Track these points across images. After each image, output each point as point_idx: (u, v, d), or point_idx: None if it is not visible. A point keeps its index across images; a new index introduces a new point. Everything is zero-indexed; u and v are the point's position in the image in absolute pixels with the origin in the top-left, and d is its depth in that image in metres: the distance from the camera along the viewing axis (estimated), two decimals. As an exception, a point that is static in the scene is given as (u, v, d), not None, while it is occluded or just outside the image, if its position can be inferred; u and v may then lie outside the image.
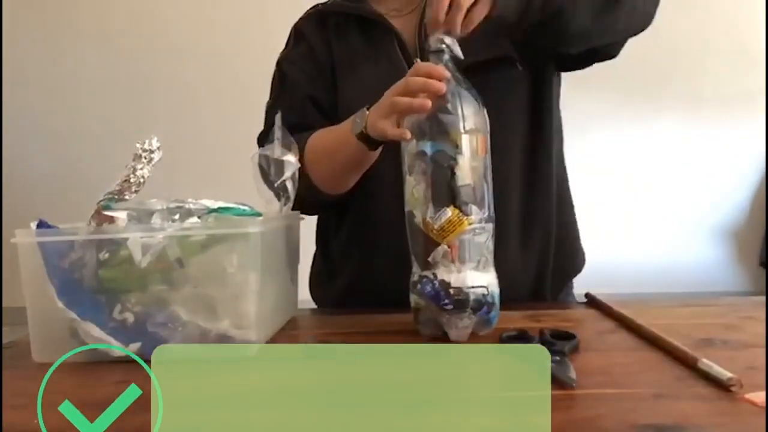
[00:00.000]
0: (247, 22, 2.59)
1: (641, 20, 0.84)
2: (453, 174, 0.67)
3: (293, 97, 0.95)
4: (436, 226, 0.67)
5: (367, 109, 0.78)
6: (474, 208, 0.67)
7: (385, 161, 0.83)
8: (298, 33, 0.99)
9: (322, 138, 0.89)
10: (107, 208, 0.67)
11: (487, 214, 0.69)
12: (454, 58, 0.71)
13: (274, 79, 1.00)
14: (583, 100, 2.45)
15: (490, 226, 0.69)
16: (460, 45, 0.72)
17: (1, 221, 2.43)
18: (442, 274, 0.68)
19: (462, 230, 0.67)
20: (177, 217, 0.68)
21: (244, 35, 2.55)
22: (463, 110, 0.68)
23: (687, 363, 0.57)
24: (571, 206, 1.00)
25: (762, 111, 2.58)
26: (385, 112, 0.73)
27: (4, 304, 2.01)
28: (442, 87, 0.67)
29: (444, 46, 0.70)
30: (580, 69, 0.93)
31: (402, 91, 0.71)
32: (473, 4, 0.69)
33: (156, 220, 0.67)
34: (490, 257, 0.70)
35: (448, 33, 0.70)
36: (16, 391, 0.58)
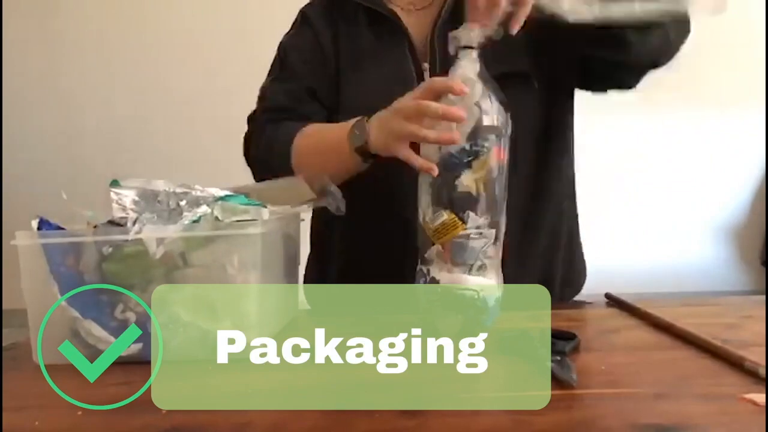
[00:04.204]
0: (247, 17, 2.59)
1: (673, 50, 0.82)
2: (455, 180, 0.66)
3: (291, 84, 0.92)
4: (432, 227, 0.68)
5: (366, 120, 0.75)
6: (471, 214, 0.66)
7: (386, 164, 0.83)
8: (304, 17, 0.96)
9: (314, 135, 0.85)
10: (115, 184, 0.68)
11: (489, 220, 0.67)
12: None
13: (274, 61, 0.97)
14: (583, 100, 2.43)
15: (491, 232, 0.68)
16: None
17: (1, 222, 2.43)
18: (435, 272, 0.69)
19: (455, 234, 0.67)
20: (184, 203, 0.68)
21: (246, 31, 2.55)
22: (482, 115, 0.66)
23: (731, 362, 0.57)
24: (577, 224, 0.98)
25: (762, 110, 2.58)
26: (402, 136, 0.68)
27: (4, 306, 2.01)
28: (462, 116, 0.63)
29: (476, 42, 0.66)
30: (597, 91, 0.91)
31: (415, 113, 0.66)
32: None
33: (162, 208, 0.67)
34: (491, 262, 0.69)
35: (484, 27, 0.66)
36: (16, 393, 0.58)
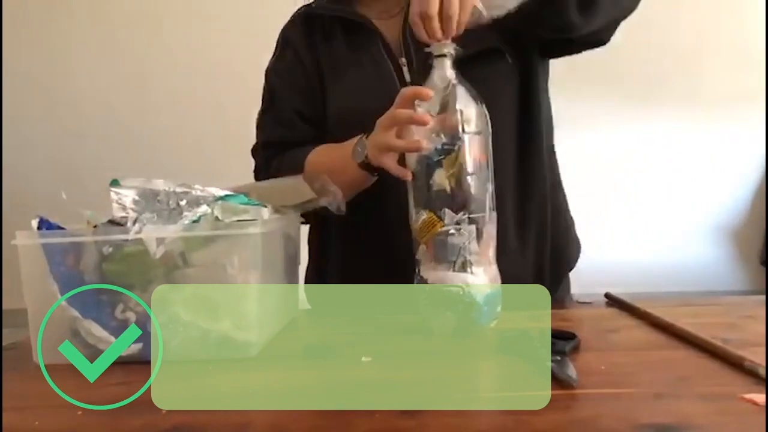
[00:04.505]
0: (247, 19, 2.59)
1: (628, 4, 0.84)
2: (431, 179, 0.69)
3: (281, 112, 0.97)
4: (416, 227, 0.71)
5: (365, 137, 0.79)
6: (447, 211, 0.69)
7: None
8: (285, 40, 1.00)
9: (321, 159, 0.89)
10: (115, 184, 0.68)
11: (467, 216, 0.69)
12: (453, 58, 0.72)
13: (264, 90, 1.01)
14: (583, 100, 2.44)
15: (471, 228, 0.69)
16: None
17: (0, 221, 2.42)
18: (423, 271, 0.71)
19: (435, 232, 0.69)
20: (184, 202, 0.68)
21: (246, 31, 2.55)
22: (455, 116, 0.69)
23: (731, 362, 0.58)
24: (564, 194, 1.00)
25: (762, 110, 2.58)
26: (382, 148, 0.74)
27: (4, 306, 2.01)
28: (427, 120, 0.68)
29: (446, 50, 0.71)
30: (568, 55, 0.93)
31: (390, 123, 0.72)
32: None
33: (162, 207, 0.67)
34: (476, 258, 0.70)
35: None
36: (16, 392, 0.58)
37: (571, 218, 1.01)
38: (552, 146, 0.99)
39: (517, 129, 0.92)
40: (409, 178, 0.71)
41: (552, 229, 0.94)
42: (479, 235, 0.70)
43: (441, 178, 0.69)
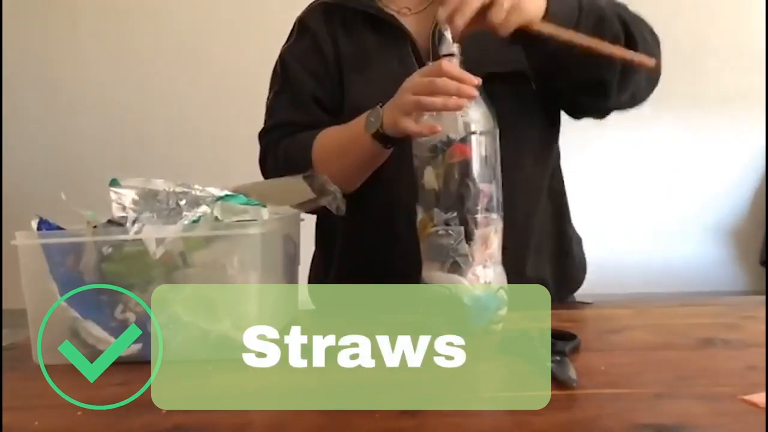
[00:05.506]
0: (247, 18, 2.59)
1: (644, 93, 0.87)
2: (422, 179, 0.69)
3: (297, 95, 0.94)
4: (417, 227, 0.71)
5: (380, 106, 0.77)
6: (436, 210, 0.68)
7: (388, 162, 0.83)
8: (302, 25, 0.96)
9: (331, 137, 0.87)
10: (114, 183, 0.68)
11: (456, 216, 0.68)
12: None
13: (275, 72, 0.98)
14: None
15: (459, 229, 0.68)
16: (481, 55, 0.71)
17: (1, 222, 2.42)
18: (423, 271, 0.71)
19: (425, 232, 0.69)
20: (183, 202, 0.68)
21: (247, 31, 2.55)
22: (453, 116, 0.68)
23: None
24: (570, 219, 0.99)
25: (762, 110, 2.58)
26: (406, 110, 0.71)
27: (4, 306, 2.01)
28: (475, 94, 0.67)
29: (458, 49, 0.70)
30: (574, 116, 0.93)
31: (427, 90, 0.69)
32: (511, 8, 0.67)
33: (162, 207, 0.67)
34: (464, 260, 0.69)
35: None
36: (16, 393, 0.58)
37: (579, 240, 0.99)
38: (560, 171, 0.99)
39: (534, 155, 0.91)
40: (438, 130, 0.67)
41: (557, 253, 0.93)
42: (470, 236, 0.68)
43: (429, 177, 0.69)
